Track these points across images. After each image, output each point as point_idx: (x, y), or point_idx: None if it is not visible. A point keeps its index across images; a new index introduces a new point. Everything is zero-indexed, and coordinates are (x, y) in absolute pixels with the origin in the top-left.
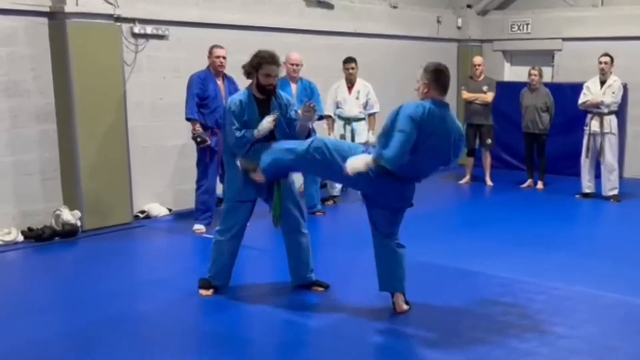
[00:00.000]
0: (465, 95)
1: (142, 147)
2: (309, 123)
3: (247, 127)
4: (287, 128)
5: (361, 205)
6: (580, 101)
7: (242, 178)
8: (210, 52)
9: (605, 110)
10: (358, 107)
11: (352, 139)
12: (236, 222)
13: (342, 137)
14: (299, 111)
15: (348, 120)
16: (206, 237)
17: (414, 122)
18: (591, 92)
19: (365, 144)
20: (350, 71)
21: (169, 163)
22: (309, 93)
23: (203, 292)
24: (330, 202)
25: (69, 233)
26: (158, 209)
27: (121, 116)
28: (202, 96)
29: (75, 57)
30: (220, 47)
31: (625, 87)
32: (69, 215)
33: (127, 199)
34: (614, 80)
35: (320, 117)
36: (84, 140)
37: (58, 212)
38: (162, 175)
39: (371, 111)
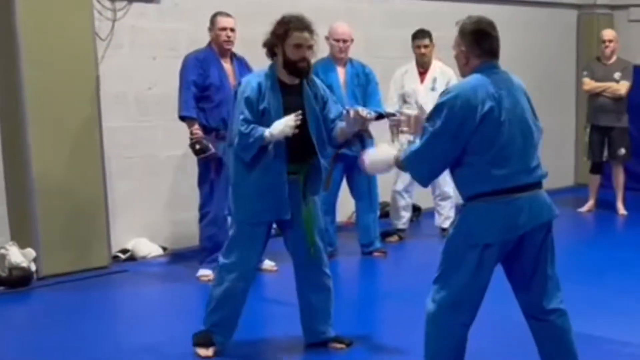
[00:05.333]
0: (590, 84)
1: (125, 159)
2: (352, 131)
3: (263, 123)
4: (322, 129)
5: (440, 241)
6: None
7: (255, 189)
8: (213, 23)
9: None
10: (434, 101)
11: None
12: (248, 255)
13: (412, 144)
14: (351, 111)
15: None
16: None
17: (451, 111)
18: None
19: None
20: (423, 50)
21: (163, 182)
22: (363, 81)
23: (202, 351)
24: (394, 239)
25: (18, 281)
26: (147, 248)
27: (93, 114)
28: (201, 85)
29: (25, 28)
30: (227, 14)
31: None
32: (18, 256)
33: (102, 233)
34: None
35: (380, 116)
36: (38, 149)
37: (3, 251)
38: (152, 199)
39: None
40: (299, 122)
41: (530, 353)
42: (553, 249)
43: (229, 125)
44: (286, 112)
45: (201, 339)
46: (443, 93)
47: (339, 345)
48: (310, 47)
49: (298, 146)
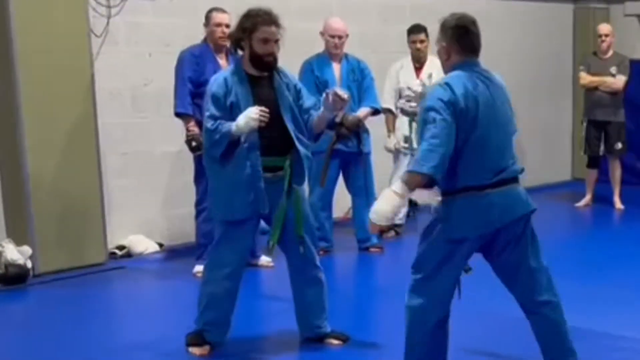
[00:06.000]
0: (586, 79)
1: (120, 155)
2: (332, 115)
3: (233, 118)
4: (299, 120)
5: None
6: None
7: (230, 186)
8: (208, 19)
9: None
10: None
11: None
12: (233, 253)
13: (407, 139)
14: (330, 94)
15: (415, 116)
16: None
17: (446, 104)
18: None
19: None
20: (419, 45)
21: (159, 178)
22: (359, 76)
23: (196, 350)
24: (391, 234)
25: (15, 278)
26: (144, 244)
27: (88, 110)
28: (197, 81)
29: (19, 25)
30: (222, 10)
31: None
32: (14, 253)
33: (98, 230)
34: None
35: (376, 112)
36: (34, 145)
37: None
38: (148, 195)
39: None
40: (264, 116)
41: (529, 349)
42: (535, 242)
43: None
44: (257, 104)
45: (194, 339)
46: (425, 95)
47: (335, 342)
48: (277, 41)
49: (276, 138)
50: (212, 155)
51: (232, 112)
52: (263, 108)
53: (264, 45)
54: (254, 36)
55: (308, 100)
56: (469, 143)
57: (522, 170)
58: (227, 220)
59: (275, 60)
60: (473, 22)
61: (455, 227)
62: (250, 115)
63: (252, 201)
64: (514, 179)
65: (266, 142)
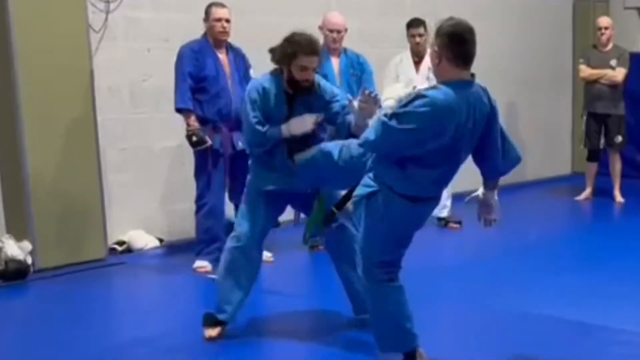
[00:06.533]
0: (586, 72)
1: (120, 151)
2: (368, 120)
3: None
4: (327, 130)
5: (436, 229)
6: None
7: (267, 166)
8: (208, 14)
9: None
10: None
11: None
12: (249, 225)
13: None
14: (354, 102)
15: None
16: (212, 279)
17: (416, 118)
18: None
19: None
20: (418, 39)
21: (159, 174)
22: (358, 70)
23: (207, 331)
24: None
25: (15, 274)
26: (144, 239)
27: (87, 106)
28: (197, 76)
29: (18, 20)
30: (222, 5)
31: None
32: (15, 249)
33: (98, 226)
34: None
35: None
36: (34, 141)
37: None
38: (148, 191)
39: None
40: (318, 122)
41: (530, 345)
42: None
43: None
44: (290, 116)
45: (208, 320)
46: (412, 99)
47: None
48: (315, 69)
49: (302, 148)
50: (254, 152)
51: (267, 120)
52: (318, 115)
53: (302, 72)
54: (293, 62)
55: (337, 104)
56: (422, 158)
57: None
58: (261, 190)
59: (311, 85)
60: (469, 31)
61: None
62: (309, 121)
63: (292, 176)
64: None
65: (297, 149)
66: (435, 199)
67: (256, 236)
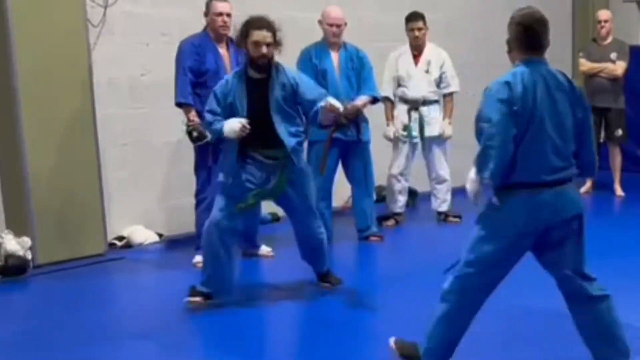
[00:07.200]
0: (586, 65)
1: (119, 146)
2: (329, 122)
3: (233, 115)
4: (289, 114)
5: (436, 224)
6: None
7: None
8: (208, 8)
9: None
10: (428, 84)
11: (421, 131)
12: (221, 205)
13: (406, 128)
14: (324, 105)
15: (414, 104)
16: None
17: (504, 104)
18: None
19: (439, 137)
20: (417, 33)
21: (158, 169)
22: (357, 64)
23: (191, 299)
24: (390, 223)
25: (14, 269)
26: (143, 235)
27: (86, 101)
28: (197, 71)
29: (16, 16)
30: None
31: None
32: (14, 245)
33: (98, 221)
34: None
35: (375, 100)
36: (32, 136)
37: None
38: (148, 186)
39: (447, 90)
40: (244, 132)
41: (532, 339)
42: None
43: None
44: (250, 105)
45: (193, 291)
46: (486, 90)
47: (326, 284)
48: (269, 44)
49: (268, 135)
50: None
51: (231, 110)
52: (245, 124)
53: (256, 48)
54: (248, 41)
55: (312, 91)
56: (524, 140)
57: (576, 173)
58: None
59: (268, 62)
60: (540, 21)
61: (507, 223)
62: (234, 129)
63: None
64: (568, 180)
65: (260, 138)
66: None
67: (223, 219)
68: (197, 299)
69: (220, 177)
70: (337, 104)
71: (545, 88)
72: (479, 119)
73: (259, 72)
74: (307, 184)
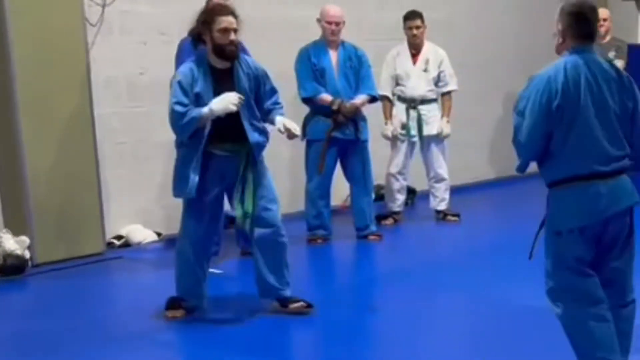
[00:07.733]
0: None
1: (117, 145)
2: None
3: (198, 107)
4: (254, 108)
5: (435, 223)
6: None
7: (188, 166)
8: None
9: None
10: (427, 83)
11: (419, 130)
12: (193, 224)
13: (404, 126)
14: (282, 125)
15: (413, 103)
16: (211, 273)
17: (541, 100)
18: None
19: (437, 136)
20: (415, 32)
21: (157, 168)
22: (356, 63)
23: (170, 313)
24: (389, 222)
25: (13, 269)
26: (142, 234)
27: (84, 100)
28: None
29: (14, 15)
30: None
31: None
32: (12, 244)
33: (96, 220)
34: None
35: (373, 99)
36: (30, 135)
37: None
38: (146, 185)
39: (446, 89)
40: (241, 103)
41: (530, 337)
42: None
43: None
44: (216, 94)
45: (170, 304)
46: (529, 79)
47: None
48: (235, 30)
49: (232, 128)
50: (181, 140)
51: (197, 102)
52: (241, 95)
53: (224, 34)
54: (213, 28)
55: (268, 97)
56: (572, 131)
57: (630, 165)
58: (185, 197)
59: (237, 49)
60: (592, 9)
61: (560, 219)
62: (231, 100)
63: (218, 174)
64: (622, 171)
65: (223, 130)
66: None
67: (197, 239)
68: (179, 312)
69: (183, 189)
70: (292, 125)
71: (593, 78)
72: (515, 108)
73: (225, 61)
74: (266, 185)
